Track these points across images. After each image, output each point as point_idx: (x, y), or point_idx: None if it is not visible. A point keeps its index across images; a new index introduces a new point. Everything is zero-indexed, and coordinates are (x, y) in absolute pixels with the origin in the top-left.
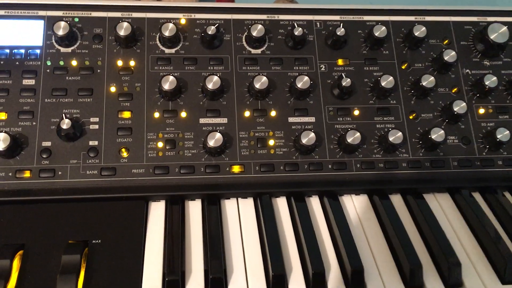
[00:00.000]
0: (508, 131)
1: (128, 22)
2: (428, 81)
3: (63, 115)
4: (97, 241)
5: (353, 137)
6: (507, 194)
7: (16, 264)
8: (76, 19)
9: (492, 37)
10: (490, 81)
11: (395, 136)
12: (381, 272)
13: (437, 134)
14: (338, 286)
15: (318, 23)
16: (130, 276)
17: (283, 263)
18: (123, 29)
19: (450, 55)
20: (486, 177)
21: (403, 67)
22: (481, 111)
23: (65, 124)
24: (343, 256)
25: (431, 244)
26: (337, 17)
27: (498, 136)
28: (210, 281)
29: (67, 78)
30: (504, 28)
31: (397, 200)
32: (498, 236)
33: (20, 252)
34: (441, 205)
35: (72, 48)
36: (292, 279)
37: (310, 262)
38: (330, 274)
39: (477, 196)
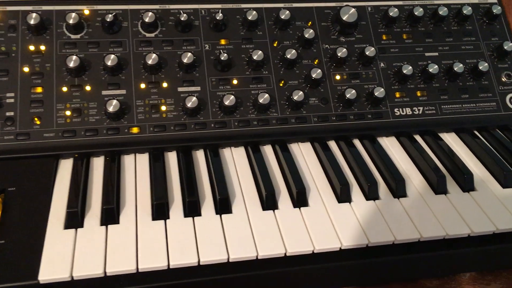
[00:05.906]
0: (354, 91)
1: (37, 13)
2: (291, 53)
3: None
4: (12, 188)
5: (229, 100)
6: (357, 141)
7: None
8: None
9: (344, 18)
10: (341, 52)
11: (263, 98)
12: (246, 200)
13: (297, 95)
14: (211, 210)
15: (202, 11)
16: (40, 212)
17: (167, 194)
18: (33, 19)
19: (309, 33)
20: (340, 129)
21: (274, 44)
22: (337, 77)
23: None
24: (215, 188)
25: (288, 178)
26: (218, 5)
27: (347, 95)
28: (104, 211)
29: None
30: (353, 9)
31: (267, 150)
32: (341, 174)
33: None
34: (303, 152)
35: None
36: (172, 207)
37: (187, 194)
38: (205, 201)
39: (332, 143)
